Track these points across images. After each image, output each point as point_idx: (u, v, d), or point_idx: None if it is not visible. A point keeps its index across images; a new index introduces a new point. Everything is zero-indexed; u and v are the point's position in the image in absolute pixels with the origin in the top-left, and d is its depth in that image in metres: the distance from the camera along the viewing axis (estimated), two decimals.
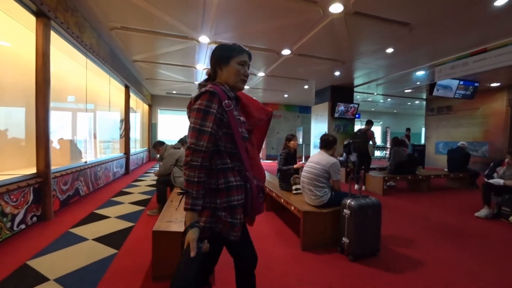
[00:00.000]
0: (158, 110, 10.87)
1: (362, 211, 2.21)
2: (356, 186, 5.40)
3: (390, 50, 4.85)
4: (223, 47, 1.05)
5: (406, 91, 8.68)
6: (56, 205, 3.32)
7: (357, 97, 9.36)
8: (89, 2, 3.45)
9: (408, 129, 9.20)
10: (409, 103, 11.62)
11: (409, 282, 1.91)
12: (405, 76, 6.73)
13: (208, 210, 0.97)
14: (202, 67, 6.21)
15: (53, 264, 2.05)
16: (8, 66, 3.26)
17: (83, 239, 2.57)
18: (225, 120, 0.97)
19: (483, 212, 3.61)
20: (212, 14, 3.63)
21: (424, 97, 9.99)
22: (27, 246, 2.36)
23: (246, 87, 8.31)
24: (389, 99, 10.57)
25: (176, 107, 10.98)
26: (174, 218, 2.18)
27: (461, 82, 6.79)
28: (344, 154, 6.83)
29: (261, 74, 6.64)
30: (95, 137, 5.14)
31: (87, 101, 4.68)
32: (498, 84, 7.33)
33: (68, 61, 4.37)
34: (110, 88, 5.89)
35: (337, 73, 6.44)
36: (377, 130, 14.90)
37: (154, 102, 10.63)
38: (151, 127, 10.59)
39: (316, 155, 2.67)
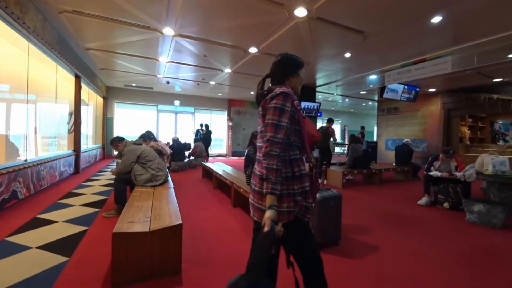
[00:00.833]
0: (115, 103, 9.99)
1: (325, 203, 2.35)
2: (319, 180, 5.73)
3: (348, 55, 5.22)
4: (295, 60, 1.27)
5: (361, 92, 9.44)
6: None
7: (319, 96, 9.89)
8: None
9: (362, 127, 10.03)
10: (363, 104, 12.67)
11: (368, 266, 2.10)
12: (360, 79, 7.32)
13: (289, 196, 1.08)
14: (165, 60, 5.89)
15: None
16: None
17: (24, 247, 2.25)
18: (296, 117, 1.13)
19: (423, 200, 4.15)
20: (179, 6, 3.46)
21: (376, 98, 11.00)
22: None
23: (211, 82, 8.15)
24: (347, 99, 11.39)
25: (136, 100, 10.22)
26: (136, 218, 2.05)
27: (406, 87, 7.64)
28: None
29: (227, 70, 6.57)
30: (35, 132, 4.51)
31: (29, 91, 4.08)
32: (435, 89, 8.43)
33: (4, 44, 3.74)
34: (57, 78, 5.22)
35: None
36: (336, 128, 15.95)
37: (110, 94, 9.73)
38: (106, 122, 9.69)
39: None
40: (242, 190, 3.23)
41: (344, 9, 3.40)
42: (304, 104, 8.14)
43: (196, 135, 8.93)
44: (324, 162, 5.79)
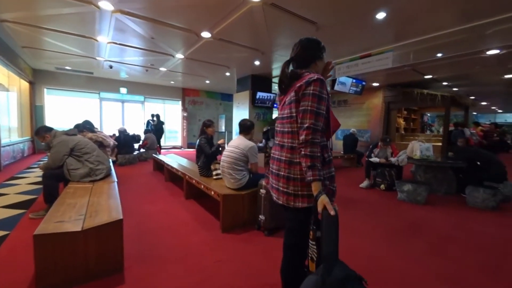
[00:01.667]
0: (45, 89, 8.55)
1: None
2: None
3: None
4: (319, 43, 1.28)
5: None
6: None
7: (275, 87, 10.07)
8: None
9: None
10: None
11: None
12: None
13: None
14: (105, 40, 5.23)
15: None
16: None
17: None
18: (327, 104, 1.14)
19: (364, 183, 4.60)
20: None
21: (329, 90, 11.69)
22: None
23: (162, 69, 7.61)
24: None
25: (72, 86, 8.87)
26: (67, 217, 1.81)
27: (354, 80, 8.27)
28: (264, 140, 7.31)
29: (179, 55, 6.17)
30: None
31: None
32: (378, 84, 9.32)
33: None
34: None
35: (257, 63, 6.68)
36: None
37: (37, 79, 8.27)
38: (34, 111, 8.27)
39: (235, 139, 2.72)
40: (194, 181, 3.12)
41: None
42: (259, 95, 8.20)
43: (147, 126, 8.27)
44: None
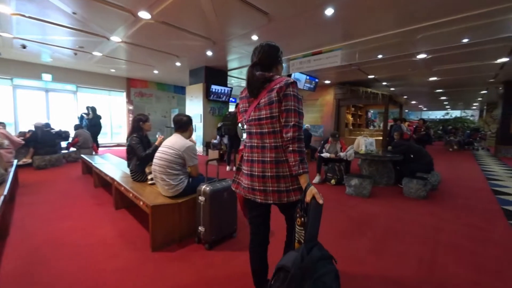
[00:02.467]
0: None
1: (217, 196, 2.08)
2: (227, 168, 5.56)
3: (255, 38, 5.07)
4: (278, 49, 1.32)
5: None
6: None
7: (232, 81, 9.66)
8: None
9: None
10: None
11: None
12: None
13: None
14: (8, 11, 4.11)
15: None
16: None
17: None
18: None
19: (316, 179, 4.60)
20: None
21: None
22: None
23: (98, 54, 6.54)
24: None
25: None
26: None
27: (308, 77, 8.38)
28: (218, 137, 6.90)
29: (115, 38, 5.29)
30: None
31: None
32: (329, 81, 9.66)
33: None
34: None
35: (209, 53, 6.19)
36: None
37: None
38: None
39: (169, 138, 2.28)
40: (123, 188, 2.58)
41: None
42: (214, 88, 7.72)
43: (80, 120, 7.01)
44: (233, 149, 5.64)
